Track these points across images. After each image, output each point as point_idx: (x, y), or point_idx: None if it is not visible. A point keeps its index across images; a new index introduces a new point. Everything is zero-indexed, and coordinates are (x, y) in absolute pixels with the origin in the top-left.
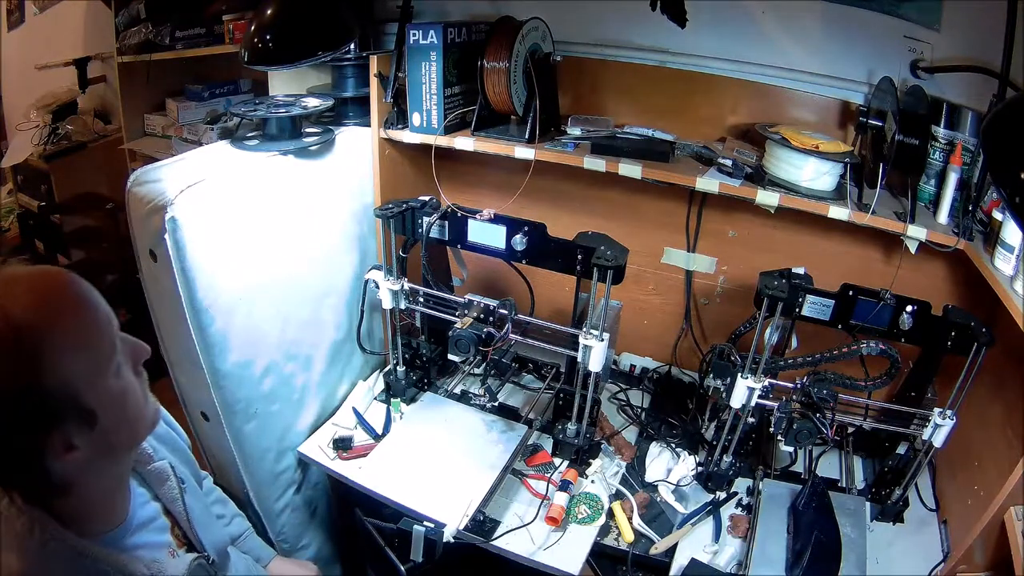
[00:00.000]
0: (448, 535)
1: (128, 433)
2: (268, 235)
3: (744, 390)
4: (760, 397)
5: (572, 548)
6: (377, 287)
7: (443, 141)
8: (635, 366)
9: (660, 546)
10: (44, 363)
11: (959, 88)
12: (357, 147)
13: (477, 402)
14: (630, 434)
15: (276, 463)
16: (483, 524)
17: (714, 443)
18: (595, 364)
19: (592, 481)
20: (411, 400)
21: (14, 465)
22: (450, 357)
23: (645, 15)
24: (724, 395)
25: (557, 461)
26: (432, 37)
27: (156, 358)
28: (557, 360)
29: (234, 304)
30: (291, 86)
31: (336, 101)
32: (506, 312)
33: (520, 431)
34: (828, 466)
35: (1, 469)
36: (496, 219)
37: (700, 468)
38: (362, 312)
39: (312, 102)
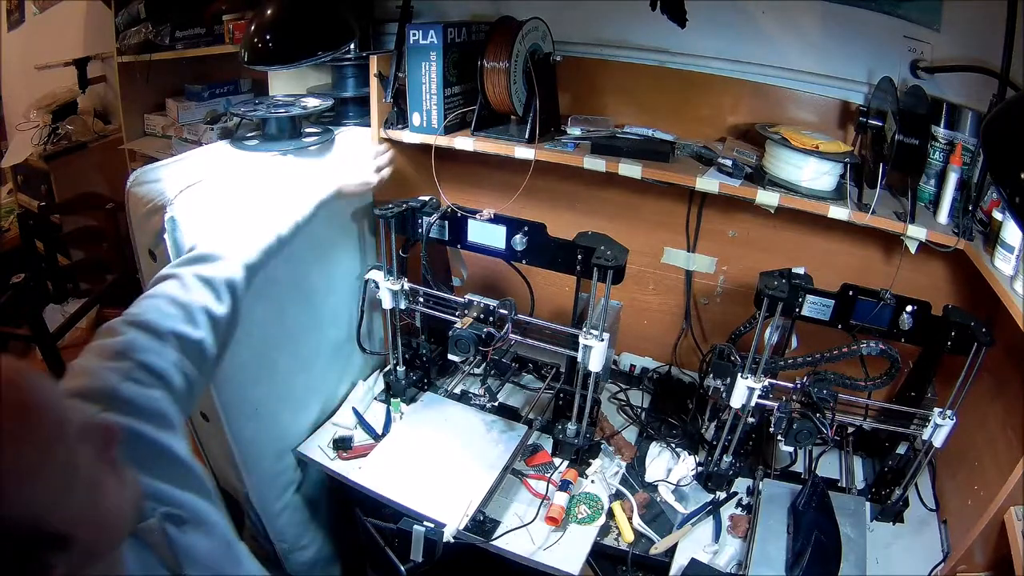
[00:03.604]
0: (448, 535)
1: (111, 537)
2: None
3: (744, 390)
4: (760, 397)
5: (572, 548)
6: (377, 287)
7: (443, 141)
8: (635, 366)
9: (660, 546)
10: None
11: (959, 88)
12: (357, 147)
13: (477, 402)
14: (630, 434)
15: (276, 463)
16: (483, 524)
17: (714, 443)
18: (595, 364)
19: (592, 481)
20: (411, 400)
21: None
22: (450, 357)
23: (645, 15)
24: (724, 395)
25: (557, 461)
26: (432, 37)
27: None
28: (557, 360)
29: None
30: (291, 86)
31: (336, 101)
32: (506, 312)
33: (520, 431)
34: (828, 466)
35: None
36: (496, 219)
37: (700, 468)
38: (362, 312)
39: (312, 102)
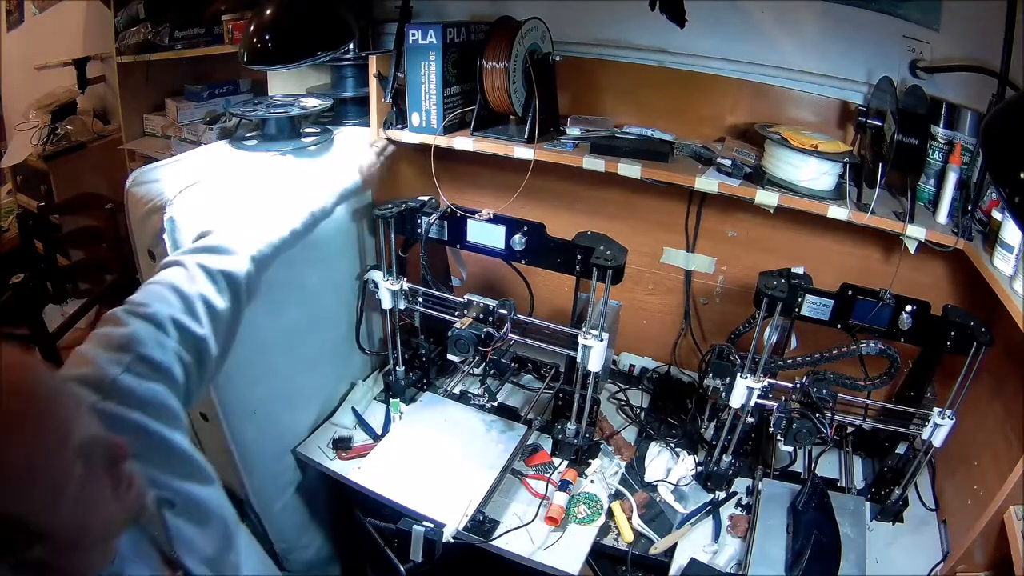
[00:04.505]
0: (448, 535)
1: (94, 541)
2: None
3: (743, 390)
4: (759, 397)
5: (572, 548)
6: (376, 287)
7: (442, 141)
8: (634, 366)
9: (660, 546)
10: None
11: (958, 88)
12: (356, 147)
13: (477, 402)
14: (629, 434)
15: (275, 463)
16: (483, 524)
17: (713, 443)
18: (594, 364)
19: (591, 481)
20: (410, 400)
21: None
22: (449, 357)
23: (644, 15)
24: (723, 395)
25: (556, 461)
26: (431, 37)
27: None
28: (556, 360)
29: None
30: (290, 86)
31: (335, 101)
32: (505, 312)
33: (519, 431)
34: (828, 466)
35: None
36: (495, 219)
37: (699, 468)
38: (361, 312)
39: (311, 102)
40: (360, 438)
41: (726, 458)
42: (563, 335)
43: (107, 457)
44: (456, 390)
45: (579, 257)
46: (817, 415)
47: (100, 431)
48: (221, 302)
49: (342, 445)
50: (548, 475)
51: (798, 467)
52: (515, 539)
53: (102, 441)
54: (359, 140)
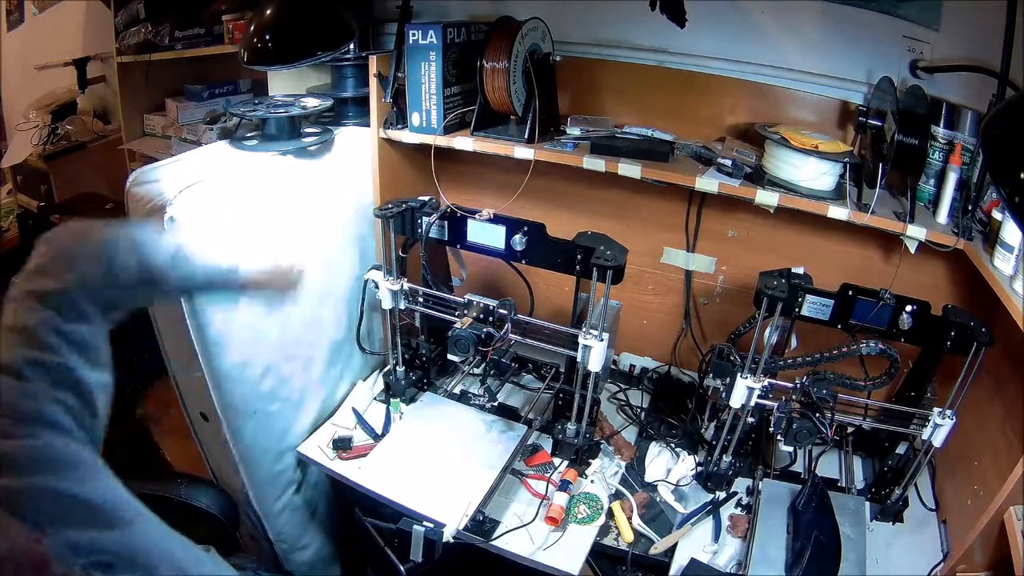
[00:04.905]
0: (448, 535)
1: None
2: (267, 235)
3: (744, 390)
4: (760, 397)
5: (572, 548)
6: (377, 287)
7: (442, 141)
8: (635, 366)
9: (660, 546)
10: None
11: (958, 88)
12: (356, 147)
13: (477, 402)
14: (630, 434)
15: (276, 463)
16: (483, 524)
17: (714, 443)
18: (594, 364)
19: (592, 481)
20: (411, 400)
21: None
22: (450, 357)
23: (644, 15)
24: (724, 395)
25: (557, 461)
26: (431, 37)
27: (156, 358)
28: (557, 360)
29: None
30: (291, 86)
31: (335, 101)
32: (506, 312)
33: (520, 431)
34: (828, 466)
35: None
36: (495, 219)
37: (700, 468)
38: (361, 312)
39: (311, 102)
40: (360, 438)
41: (726, 458)
42: (563, 335)
43: (30, 568)
44: (456, 390)
45: (579, 257)
46: (817, 415)
47: (16, 540)
48: (65, 321)
49: (342, 445)
50: (548, 475)
51: (798, 467)
52: (515, 539)
53: (21, 553)
54: (359, 142)
